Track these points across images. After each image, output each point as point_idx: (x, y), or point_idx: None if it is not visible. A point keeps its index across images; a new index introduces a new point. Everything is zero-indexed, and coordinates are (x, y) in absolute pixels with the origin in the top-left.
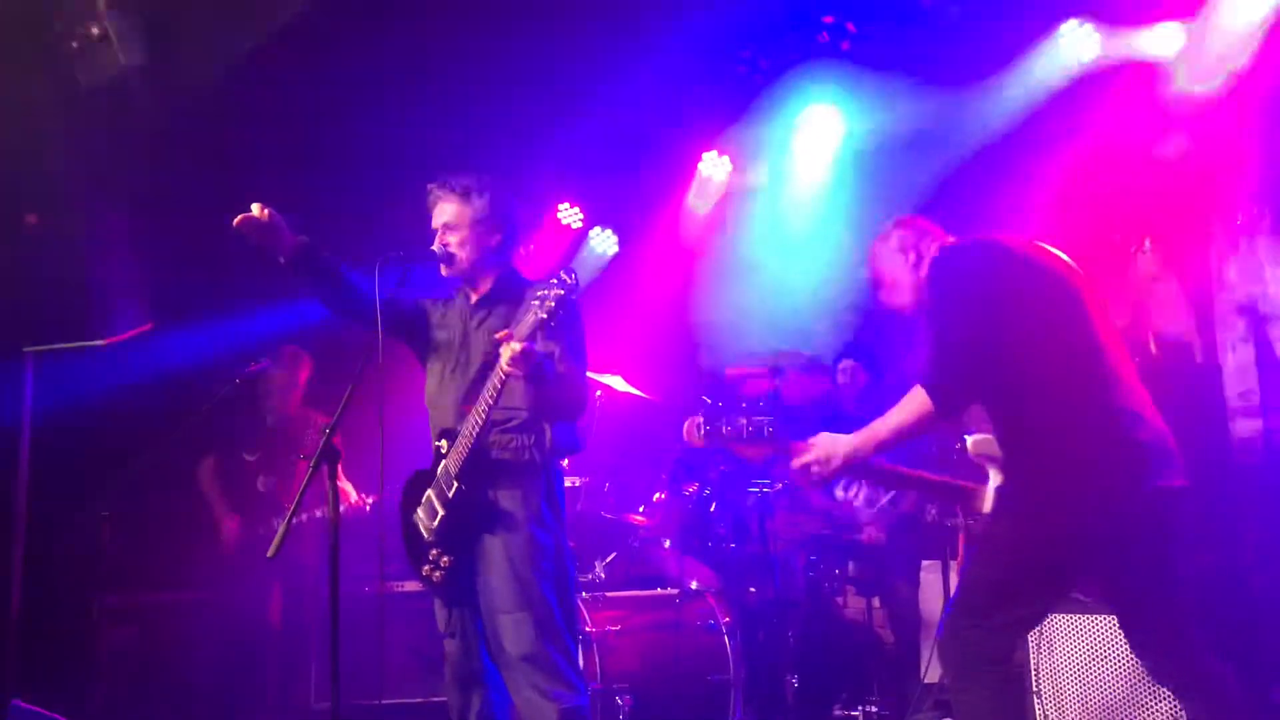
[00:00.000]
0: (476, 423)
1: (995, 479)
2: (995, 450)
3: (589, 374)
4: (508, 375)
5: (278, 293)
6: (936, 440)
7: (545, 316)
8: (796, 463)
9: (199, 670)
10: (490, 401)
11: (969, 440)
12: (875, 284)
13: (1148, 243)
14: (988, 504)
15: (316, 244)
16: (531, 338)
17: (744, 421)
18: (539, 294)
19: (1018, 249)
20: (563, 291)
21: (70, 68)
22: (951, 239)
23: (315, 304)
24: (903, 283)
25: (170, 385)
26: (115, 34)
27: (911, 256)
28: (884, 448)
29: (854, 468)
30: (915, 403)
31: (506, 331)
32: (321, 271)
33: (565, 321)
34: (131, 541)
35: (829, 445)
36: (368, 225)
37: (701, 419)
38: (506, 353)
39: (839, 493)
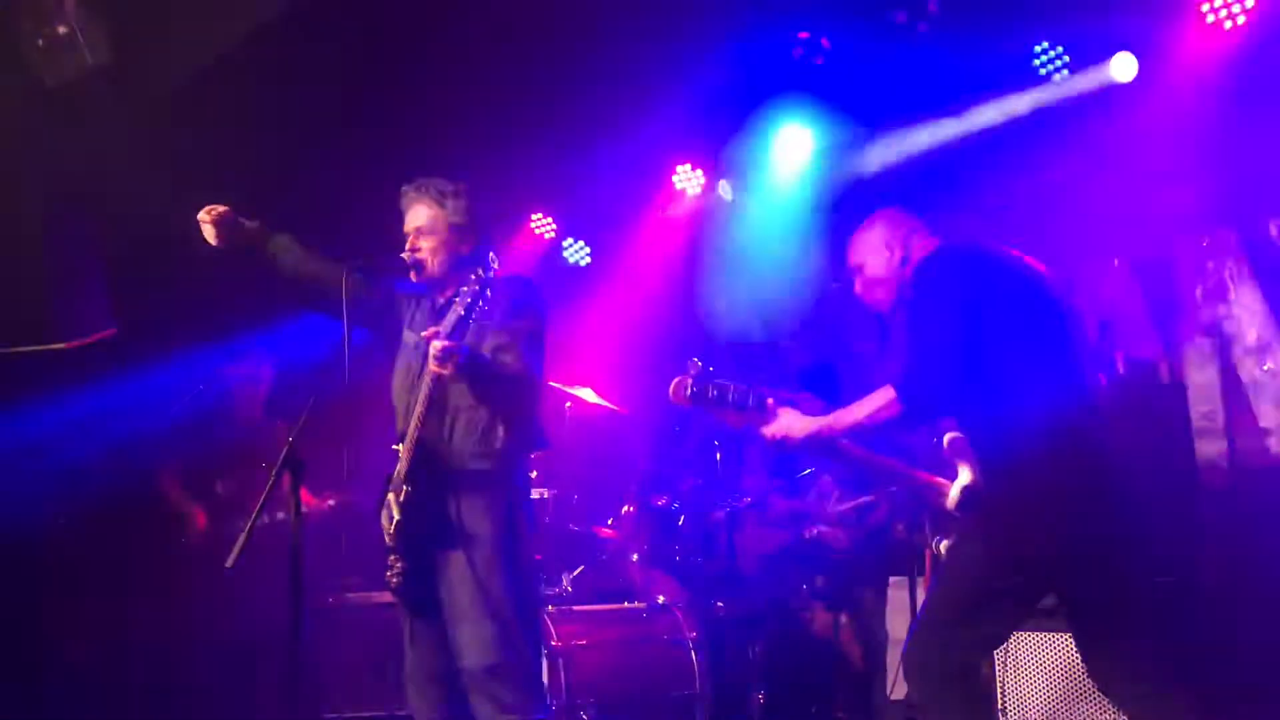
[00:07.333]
0: (415, 424)
1: (965, 477)
2: (968, 450)
3: (560, 385)
4: (435, 374)
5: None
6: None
7: (463, 312)
8: (766, 431)
9: (155, 679)
10: (424, 402)
11: (946, 437)
12: (854, 273)
13: (1116, 262)
14: (953, 501)
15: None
16: (455, 334)
17: (730, 387)
18: (460, 289)
19: (1006, 262)
20: (479, 286)
21: (35, 66)
22: (937, 240)
23: (287, 297)
24: (884, 278)
25: (133, 390)
26: (82, 33)
27: (898, 253)
28: (844, 434)
29: (818, 446)
30: (883, 400)
31: (433, 330)
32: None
33: (516, 309)
34: (87, 548)
35: (792, 422)
36: (338, 233)
37: (690, 380)
38: (431, 351)
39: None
